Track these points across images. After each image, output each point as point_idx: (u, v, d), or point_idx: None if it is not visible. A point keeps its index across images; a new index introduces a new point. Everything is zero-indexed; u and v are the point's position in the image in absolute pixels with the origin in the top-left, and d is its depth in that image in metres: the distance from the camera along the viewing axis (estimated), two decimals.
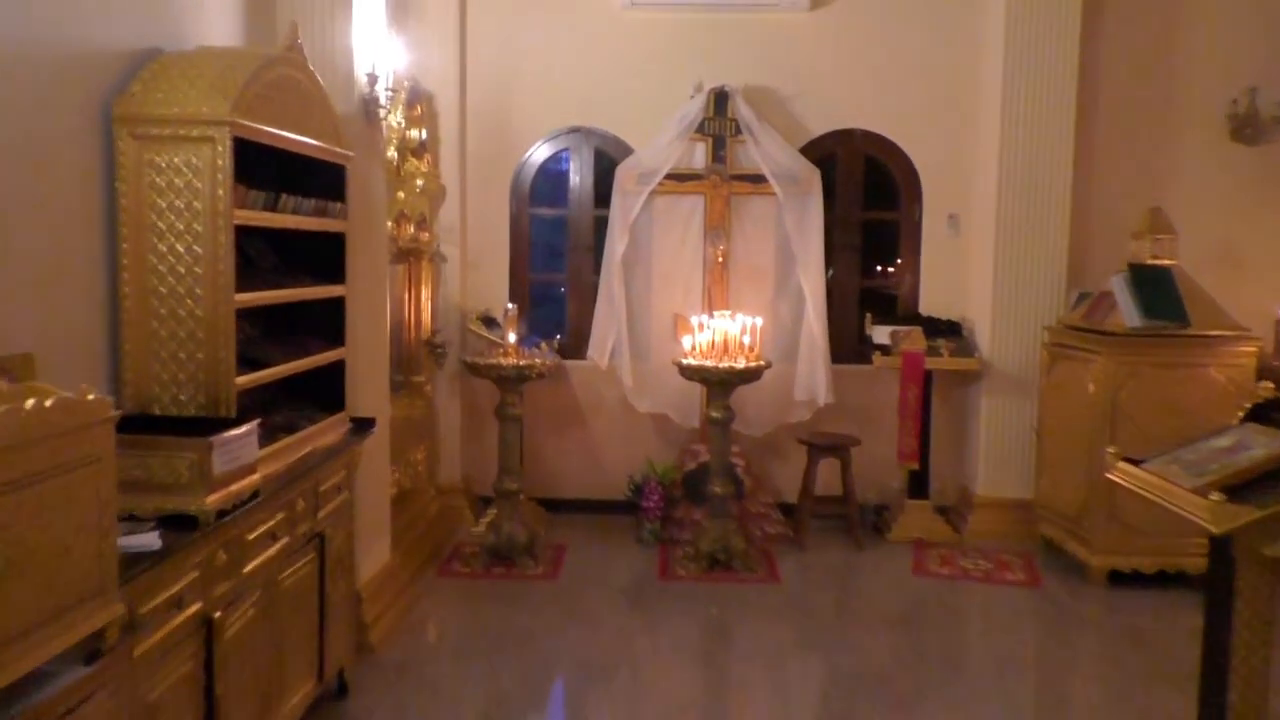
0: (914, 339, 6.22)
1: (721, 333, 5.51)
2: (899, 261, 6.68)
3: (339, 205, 3.89)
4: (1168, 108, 6.38)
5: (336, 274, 3.95)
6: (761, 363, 5.49)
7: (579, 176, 6.63)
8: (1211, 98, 6.33)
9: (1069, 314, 5.83)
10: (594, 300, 6.39)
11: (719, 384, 5.46)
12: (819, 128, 6.48)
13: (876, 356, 6.17)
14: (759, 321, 5.56)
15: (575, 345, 6.60)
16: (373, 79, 4.35)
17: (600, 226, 6.48)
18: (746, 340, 5.55)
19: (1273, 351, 5.69)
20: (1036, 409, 6.03)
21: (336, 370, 3.98)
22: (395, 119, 5.25)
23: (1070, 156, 6.07)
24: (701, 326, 5.60)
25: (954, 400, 6.53)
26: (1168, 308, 5.27)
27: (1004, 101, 6.05)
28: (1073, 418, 5.55)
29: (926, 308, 6.57)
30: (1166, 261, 5.47)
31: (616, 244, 6.24)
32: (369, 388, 4.40)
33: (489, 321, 6.12)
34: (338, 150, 3.82)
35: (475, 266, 6.56)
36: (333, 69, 4.08)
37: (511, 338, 5.49)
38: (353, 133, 4.13)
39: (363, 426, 4.12)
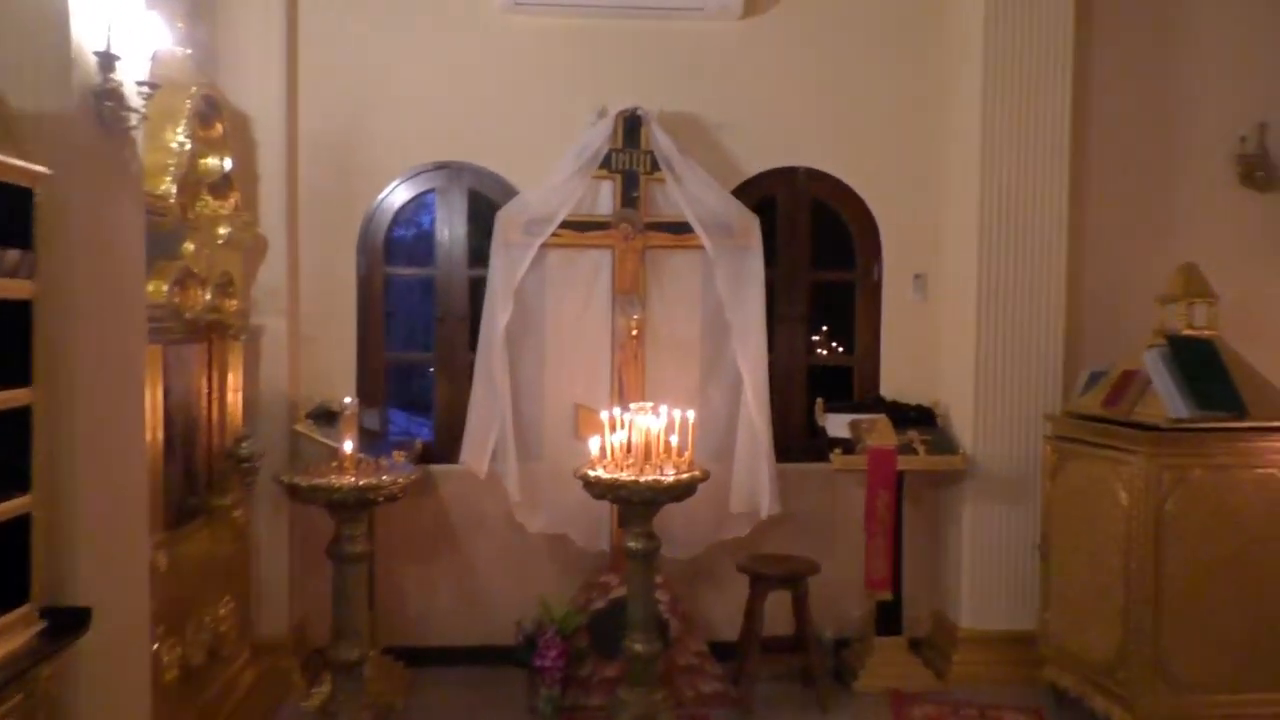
0: (881, 431, 4.88)
1: (641, 432, 4.04)
2: (855, 332, 5.36)
3: (15, 255, 2.30)
4: (1170, 150, 5.28)
5: (12, 369, 2.34)
6: (696, 473, 4.03)
7: (448, 226, 5.13)
8: (1219, 137, 5.27)
9: (1080, 399, 4.57)
10: (469, 386, 4.86)
11: (640, 504, 3.97)
12: (755, 165, 5.16)
13: (836, 455, 4.79)
14: (691, 416, 4.12)
15: (447, 444, 5.03)
16: (109, 62, 2.79)
17: (477, 290, 4.99)
18: (674, 441, 4.10)
19: None
20: (1038, 519, 4.73)
21: (15, 532, 2.35)
22: (176, 137, 3.67)
23: (1064, 206, 4.88)
24: (614, 423, 4.13)
25: (927, 506, 5.20)
26: (1220, 393, 4.06)
27: (984, 137, 4.84)
28: (1097, 535, 4.26)
29: (890, 389, 5.25)
30: (1207, 333, 4.28)
31: (498, 312, 4.75)
32: (98, 549, 2.76)
33: (325, 417, 4.52)
34: (9, 163, 2.25)
35: (311, 343, 4.96)
36: (17, 30, 2.52)
37: (348, 446, 3.89)
38: (62, 140, 2.57)
39: (70, 623, 2.48)
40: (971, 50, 4.89)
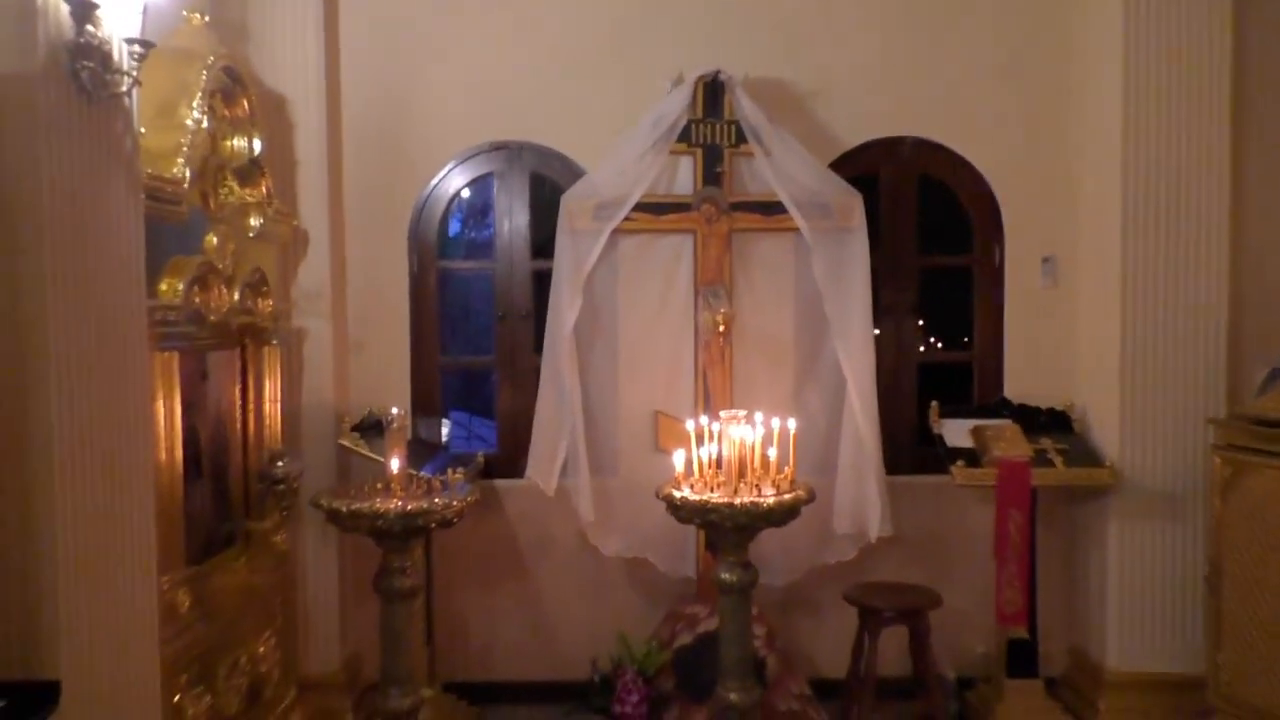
0: (1010, 440, 4.20)
1: (734, 445, 3.43)
2: (973, 325, 4.66)
3: None
4: None
5: None
6: (800, 493, 3.40)
7: (509, 214, 4.59)
8: None
9: (1259, 401, 3.81)
10: (534, 392, 4.31)
11: (735, 530, 3.37)
12: (853, 137, 4.50)
13: (958, 468, 4.12)
14: (792, 426, 3.49)
15: (512, 457, 4.49)
16: (84, 11, 2.29)
17: (542, 284, 4.43)
18: (772, 454, 3.48)
19: None
20: (1204, 543, 3.99)
21: None
22: (190, 114, 3.17)
23: (1227, 174, 4.12)
24: (701, 434, 3.53)
25: (1061, 526, 4.49)
26: None
27: (1126, 98, 4.10)
28: None
29: (1016, 390, 4.55)
30: None
31: (565, 309, 4.19)
32: (83, 599, 2.27)
33: (375, 429, 4.01)
34: None
35: (359, 349, 4.47)
36: None
37: (395, 465, 3.36)
38: (24, 106, 2.09)
39: (33, 702, 1.98)
40: (1111, 6, 4.17)
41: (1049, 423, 4.41)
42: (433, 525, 3.27)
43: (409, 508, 3.20)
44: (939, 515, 4.46)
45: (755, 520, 3.30)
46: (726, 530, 3.35)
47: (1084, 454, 4.25)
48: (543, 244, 4.47)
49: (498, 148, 4.56)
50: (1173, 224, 4.14)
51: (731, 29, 4.43)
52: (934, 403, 4.43)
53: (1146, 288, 4.15)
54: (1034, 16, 4.47)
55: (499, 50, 4.47)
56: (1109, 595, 4.25)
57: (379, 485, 3.33)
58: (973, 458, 4.18)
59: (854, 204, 4.24)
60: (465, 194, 4.67)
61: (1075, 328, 4.51)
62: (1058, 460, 4.18)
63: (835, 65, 4.45)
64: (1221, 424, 3.95)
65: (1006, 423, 4.35)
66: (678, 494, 3.38)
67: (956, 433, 4.35)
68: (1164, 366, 4.15)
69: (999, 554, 4.10)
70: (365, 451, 3.87)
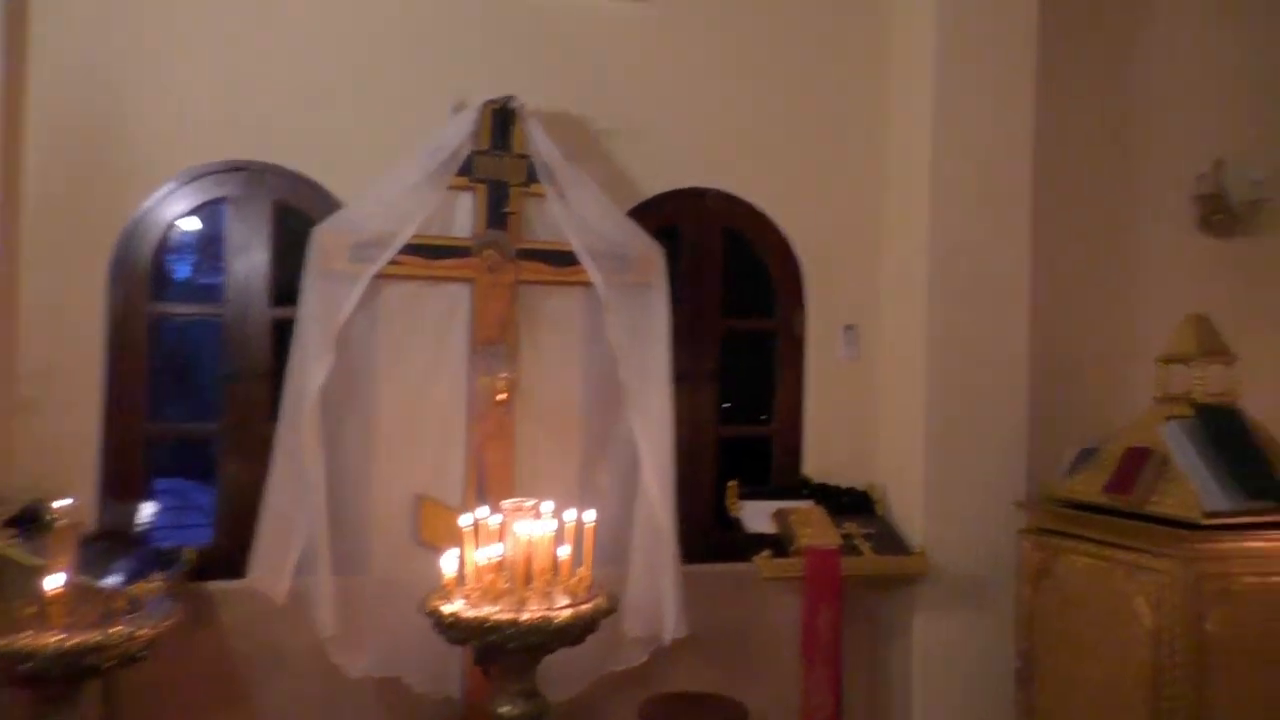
0: (817, 524, 3.83)
1: (521, 543, 2.80)
2: (773, 396, 4.29)
3: None
4: (1126, 192, 4.52)
5: None
6: (599, 600, 2.81)
7: (246, 249, 3.76)
8: (1177, 177, 4.57)
9: (1069, 482, 3.63)
10: (267, 469, 3.47)
11: (522, 652, 2.71)
12: (654, 184, 4.04)
13: (763, 560, 3.67)
14: (590, 518, 2.90)
15: (230, 551, 3.58)
16: None
17: (284, 336, 3.61)
18: (562, 552, 2.88)
19: None
20: (1014, 634, 3.75)
21: None
22: None
23: (1027, 251, 4.03)
24: (478, 531, 2.86)
25: (864, 618, 4.12)
26: (1262, 477, 3.20)
27: (933, 171, 3.94)
28: (1108, 661, 3.30)
29: (815, 469, 4.20)
30: (1228, 401, 3.45)
31: (311, 367, 3.41)
32: None
33: (34, 524, 3.02)
34: None
35: (33, 411, 3.46)
36: None
37: (55, 580, 2.45)
38: None
39: None
40: (921, 78, 4.00)
41: (851, 505, 4.09)
42: (110, 664, 2.39)
43: (73, 643, 2.32)
44: (740, 610, 3.99)
45: (548, 639, 2.68)
46: (513, 653, 2.70)
47: (890, 539, 3.94)
48: (287, 288, 3.66)
49: (234, 168, 3.73)
50: (976, 298, 3.98)
51: (524, 56, 3.88)
52: (731, 483, 4.00)
53: (950, 363, 3.95)
54: (849, 79, 4.23)
55: (242, 50, 3.69)
56: (914, 693, 3.93)
57: (30, 610, 2.41)
58: (777, 545, 3.76)
59: (655, 257, 3.76)
60: (188, 222, 3.79)
61: (877, 402, 4.24)
62: (865, 547, 3.84)
63: (639, 105, 3.99)
64: (1030, 507, 3.76)
65: (810, 506, 3.98)
66: (448, 608, 2.70)
67: (757, 516, 3.93)
68: (970, 446, 3.94)
69: (806, 654, 3.69)
70: (22, 557, 2.89)
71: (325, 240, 3.49)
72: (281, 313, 3.68)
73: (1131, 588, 3.24)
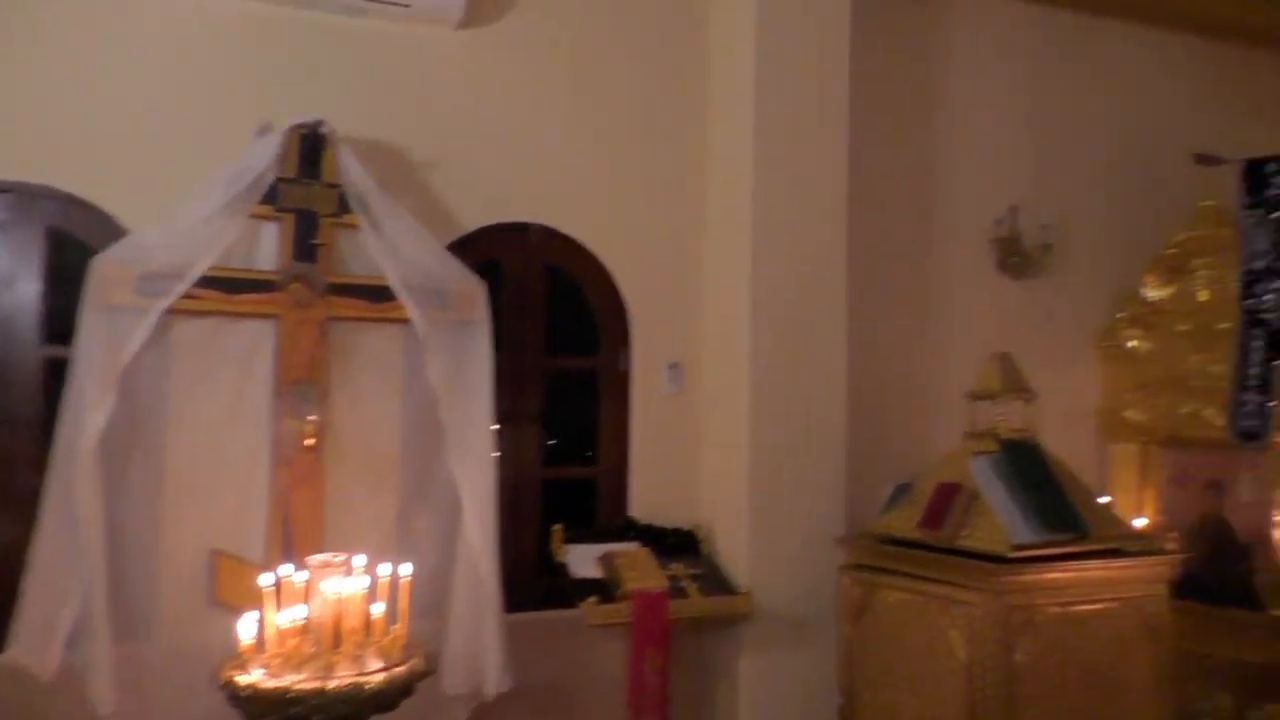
0: (643, 567, 3.76)
1: (330, 602, 2.58)
2: (600, 436, 4.20)
3: None
4: (931, 235, 4.75)
5: None
6: (416, 662, 2.62)
7: (12, 280, 3.36)
8: (977, 221, 4.83)
9: (885, 518, 3.72)
10: (34, 526, 3.08)
11: None
12: (474, 218, 3.91)
13: (589, 606, 3.56)
14: (407, 570, 2.71)
15: None
16: None
17: (55, 377, 3.24)
18: (376, 610, 2.67)
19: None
20: (836, 669, 3.79)
21: None
22: None
23: (843, 290, 4.13)
24: (280, 591, 2.62)
25: (690, 661, 4.07)
26: (1061, 510, 3.36)
27: (755, 211, 3.99)
28: (925, 694, 3.37)
29: (642, 509, 4.14)
30: (1028, 436, 3.62)
31: (89, 411, 3.05)
32: None
33: None
34: None
35: None
36: None
37: None
38: None
39: None
40: (743, 119, 4.04)
41: (678, 545, 4.04)
42: None
43: None
44: (567, 658, 3.85)
45: (359, 708, 2.47)
46: None
47: (716, 580, 3.91)
48: (61, 323, 3.29)
49: (1, 190, 3.34)
50: (796, 336, 4.04)
51: (337, 80, 3.67)
52: (556, 527, 3.88)
53: (773, 400, 3.99)
54: (673, 116, 4.24)
55: (13, 58, 3.31)
56: None
57: None
58: (604, 589, 3.67)
59: (476, 293, 3.61)
60: None
61: (701, 441, 4.23)
62: (692, 589, 3.80)
63: (459, 136, 3.85)
64: (849, 543, 3.82)
65: (636, 547, 3.91)
66: (244, 679, 2.45)
67: (584, 560, 3.82)
68: (791, 483, 3.98)
69: (633, 702, 3.60)
70: None
71: (107, 271, 3.15)
72: (54, 351, 3.31)
73: (945, 621, 3.32)
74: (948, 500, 3.47)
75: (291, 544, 3.14)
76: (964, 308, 4.76)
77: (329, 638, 2.57)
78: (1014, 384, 3.63)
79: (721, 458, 4.12)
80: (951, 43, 4.82)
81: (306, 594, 2.65)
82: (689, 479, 4.21)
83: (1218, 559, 4.28)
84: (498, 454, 3.62)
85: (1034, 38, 4.98)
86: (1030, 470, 3.43)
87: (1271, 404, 3.90)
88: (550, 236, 4.05)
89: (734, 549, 4.00)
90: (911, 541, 3.52)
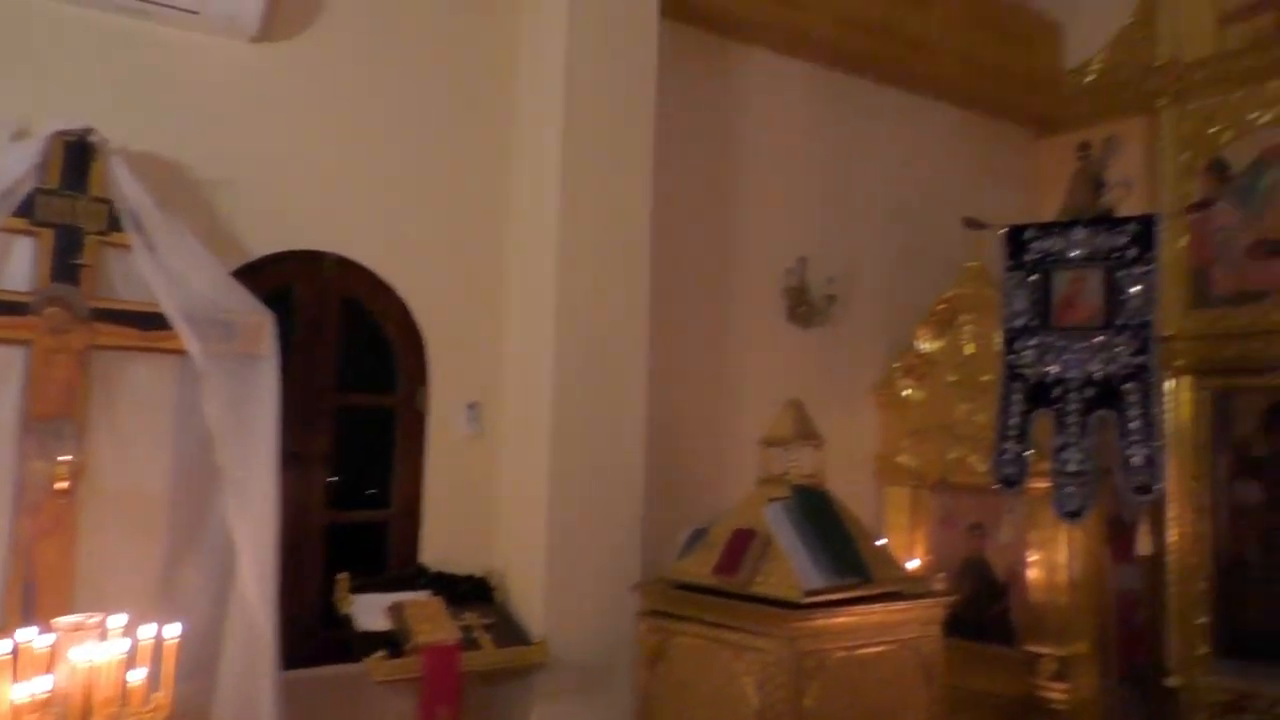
0: (434, 618, 3.60)
1: (80, 671, 2.28)
2: (394, 478, 4.00)
3: None
4: (728, 284, 4.85)
5: None
6: None
7: None
8: (770, 271, 5.00)
9: (680, 564, 3.74)
10: None
11: None
12: (264, 243, 3.65)
13: (375, 661, 3.36)
14: (174, 631, 2.45)
15: None
16: None
17: None
18: (135, 677, 2.40)
19: None
20: (632, 717, 3.76)
21: None
22: None
23: (645, 335, 4.15)
24: (18, 657, 2.30)
25: (478, 712, 3.92)
26: (848, 555, 3.50)
27: (561, 250, 3.96)
28: None
29: (434, 555, 3.97)
30: (817, 482, 3.75)
31: None
32: None
33: None
34: None
35: None
36: None
37: None
38: None
39: None
40: (549, 155, 4.01)
41: (471, 593, 3.90)
42: None
43: None
44: (350, 717, 3.62)
45: None
46: None
47: (511, 629, 3.80)
48: None
49: None
50: (598, 379, 4.02)
51: (111, 87, 3.35)
52: (341, 575, 3.65)
53: (573, 443, 3.94)
54: (479, 151, 4.15)
55: None
56: None
57: None
58: (393, 641, 3.47)
59: (263, 325, 3.37)
60: None
61: (499, 484, 4.12)
62: (486, 639, 3.67)
63: (250, 155, 3.59)
64: (645, 589, 3.82)
65: (428, 596, 3.74)
66: None
67: (371, 611, 3.61)
68: (589, 527, 3.93)
69: None
70: None
71: None
72: None
73: (739, 668, 3.37)
74: (743, 546, 3.54)
75: (35, 603, 2.78)
76: (757, 354, 4.89)
77: (78, 712, 2.27)
78: (805, 431, 3.76)
79: (519, 501, 4.02)
80: (750, 96, 4.97)
81: (51, 662, 2.34)
82: (484, 524, 4.08)
83: (978, 597, 4.60)
84: (280, 497, 3.37)
85: (824, 98, 5.23)
86: (820, 516, 3.55)
87: (1029, 453, 4.22)
88: (346, 267, 3.85)
89: (529, 596, 3.90)
90: (706, 587, 3.56)
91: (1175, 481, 4.77)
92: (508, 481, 4.10)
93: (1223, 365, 4.91)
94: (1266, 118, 4.99)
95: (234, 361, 3.28)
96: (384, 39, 3.95)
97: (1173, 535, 4.85)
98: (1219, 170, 5.16)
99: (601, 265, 4.04)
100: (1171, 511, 4.85)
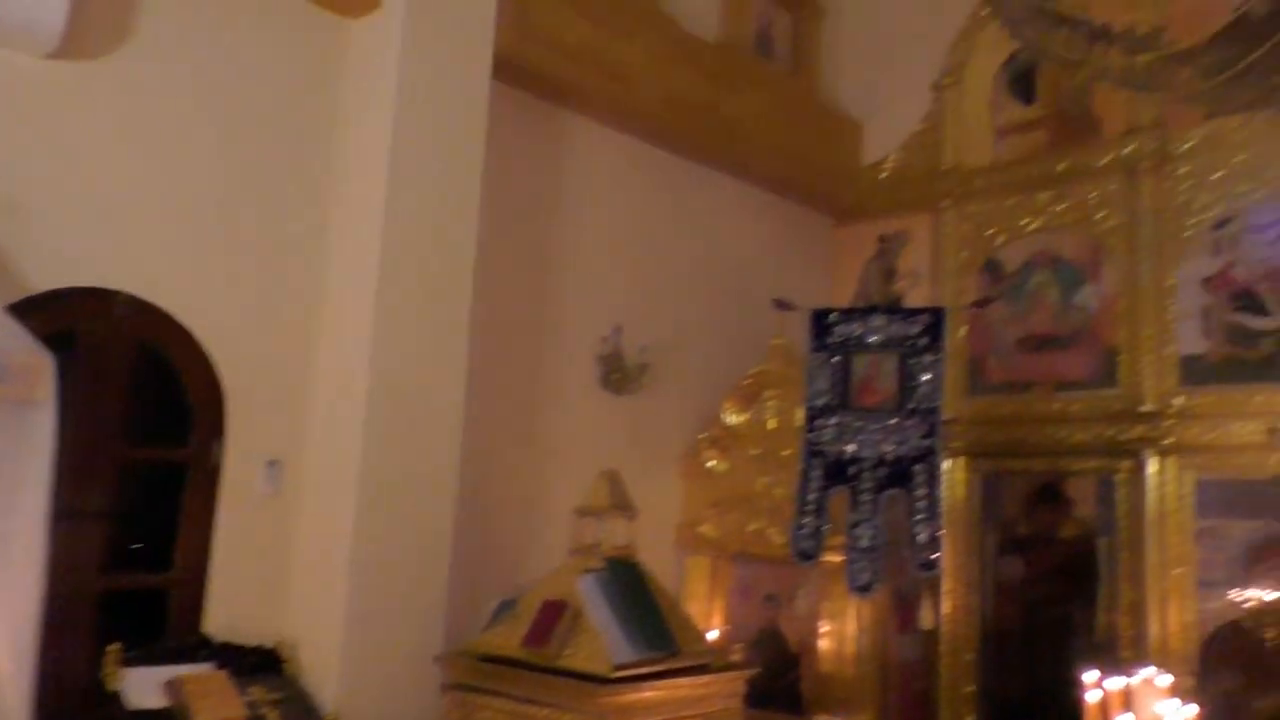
0: (217, 694, 3.35)
1: None
2: (180, 539, 3.69)
3: None
4: (543, 352, 4.84)
5: None
6: None
7: None
8: (585, 340, 5.03)
9: (486, 636, 3.64)
10: None
11: None
12: (45, 277, 3.31)
13: None
14: None
15: None
16: None
17: None
18: None
19: None
20: None
21: None
22: None
23: (463, 393, 4.07)
24: None
25: None
26: (656, 628, 3.52)
27: (378, 300, 3.84)
28: None
29: (221, 624, 3.68)
30: (629, 553, 3.76)
31: None
32: None
33: None
34: None
35: None
36: None
37: None
38: None
39: None
40: (371, 208, 3.90)
41: (260, 665, 3.64)
42: None
43: None
44: None
45: None
46: None
47: (302, 705, 3.57)
48: None
49: None
50: (409, 441, 3.89)
51: None
52: (112, 646, 3.32)
53: (380, 508, 3.78)
54: (297, 197, 3.96)
55: None
56: None
57: None
58: None
59: (42, 368, 3.05)
60: None
61: (294, 548, 3.89)
62: (273, 715, 3.43)
63: (36, 179, 3.28)
64: (449, 662, 3.69)
65: (211, 670, 3.46)
66: None
67: (145, 687, 3.31)
68: (391, 595, 3.78)
69: None
70: None
71: None
72: None
73: None
74: (553, 618, 3.50)
75: None
76: (570, 421, 4.89)
77: None
78: (620, 502, 3.79)
79: (316, 566, 3.81)
80: (575, 163, 5.02)
81: None
82: (277, 590, 3.84)
83: (772, 667, 4.73)
84: (47, 559, 3.03)
85: (645, 171, 5.36)
86: (631, 588, 3.57)
87: (826, 527, 4.41)
88: (141, 308, 3.56)
89: (324, 668, 3.68)
90: (514, 660, 3.48)
91: (949, 557, 5.13)
92: (305, 545, 3.88)
93: (993, 449, 5.36)
94: (1035, 224, 5.55)
95: (5, 409, 2.95)
96: (201, 69, 3.73)
97: (946, 608, 5.20)
98: (993, 270, 5.68)
99: (420, 325, 3.94)
100: (946, 585, 5.20)
